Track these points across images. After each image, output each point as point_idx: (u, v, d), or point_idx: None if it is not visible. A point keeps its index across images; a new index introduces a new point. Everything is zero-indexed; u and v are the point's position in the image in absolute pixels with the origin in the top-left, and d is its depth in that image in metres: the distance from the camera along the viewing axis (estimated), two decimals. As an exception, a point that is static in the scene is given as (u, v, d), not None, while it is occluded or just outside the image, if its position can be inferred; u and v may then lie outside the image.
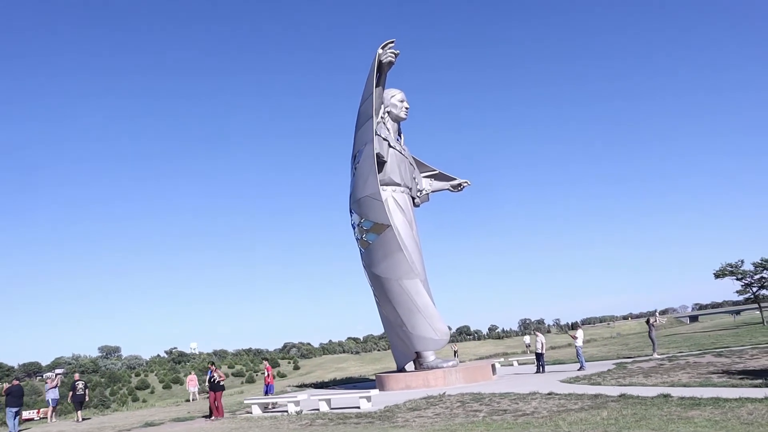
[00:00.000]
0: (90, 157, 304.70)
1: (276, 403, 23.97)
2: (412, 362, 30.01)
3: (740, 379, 19.25)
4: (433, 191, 36.45)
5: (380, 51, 28.68)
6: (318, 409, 21.76)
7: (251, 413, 22.93)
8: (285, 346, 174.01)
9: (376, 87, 29.48)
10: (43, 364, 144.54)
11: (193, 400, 40.48)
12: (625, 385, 20.29)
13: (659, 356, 31.64)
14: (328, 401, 22.07)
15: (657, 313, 42.23)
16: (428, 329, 28.36)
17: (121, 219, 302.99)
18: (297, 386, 41.78)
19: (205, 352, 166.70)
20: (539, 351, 30.75)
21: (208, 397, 24.91)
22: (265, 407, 23.47)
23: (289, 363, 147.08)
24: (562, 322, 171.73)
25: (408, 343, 29.22)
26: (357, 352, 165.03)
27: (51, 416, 29.94)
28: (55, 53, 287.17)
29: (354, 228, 30.38)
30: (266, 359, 26.81)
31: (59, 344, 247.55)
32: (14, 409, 25.29)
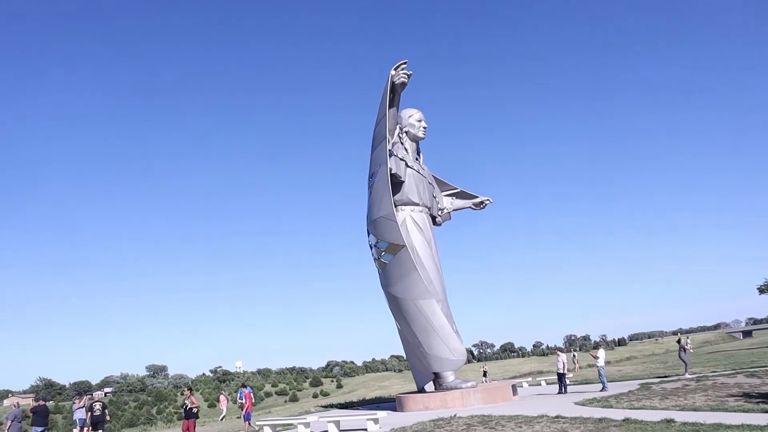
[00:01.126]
0: (139, 176, 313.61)
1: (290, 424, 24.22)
2: (432, 382, 29.85)
3: (757, 402, 18.52)
4: (454, 210, 36.43)
5: (393, 72, 28.96)
6: (327, 431, 21.89)
7: (264, 434, 23.24)
8: (328, 364, 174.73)
9: (390, 108, 29.74)
10: (93, 382, 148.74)
11: (221, 419, 41.09)
12: (636, 409, 19.74)
13: (690, 376, 30.66)
14: (337, 423, 22.17)
15: (688, 337, 40.46)
16: (444, 349, 28.23)
17: (168, 241, 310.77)
18: (323, 407, 41.94)
19: (249, 371, 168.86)
20: (561, 371, 30.20)
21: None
22: (276, 429, 23.71)
23: (332, 381, 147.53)
24: (609, 338, 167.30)
25: (425, 363, 29.13)
26: (400, 370, 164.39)
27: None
28: (56, 53, 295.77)
29: (371, 248, 30.57)
30: (245, 386, 26.69)
31: (109, 364, 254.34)
32: (39, 429, 26.09)
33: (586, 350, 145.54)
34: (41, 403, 27.37)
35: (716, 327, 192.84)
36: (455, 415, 22.53)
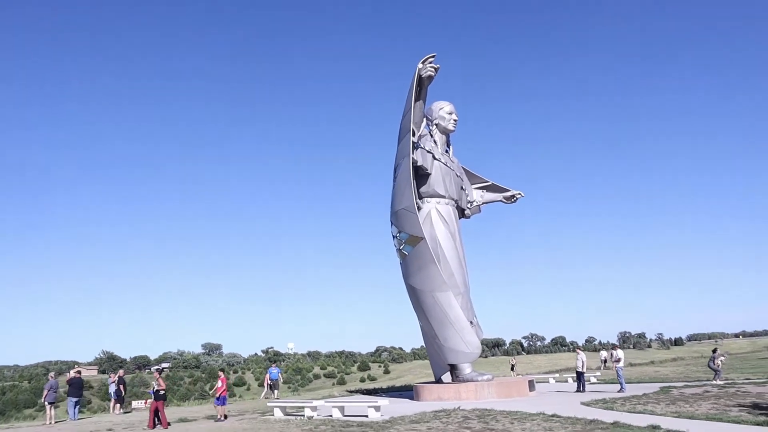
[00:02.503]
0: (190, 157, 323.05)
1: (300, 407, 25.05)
2: (449, 374, 30.12)
3: (758, 414, 18.00)
4: (484, 203, 36.31)
5: (420, 65, 29.09)
6: (331, 416, 22.57)
7: (273, 416, 24.12)
8: (377, 349, 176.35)
9: (417, 101, 29.94)
10: (152, 357, 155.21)
11: (264, 396, 42.24)
12: (635, 413, 19.49)
13: (720, 382, 29.77)
14: (342, 408, 22.83)
15: (724, 353, 38.83)
16: (459, 342, 28.45)
17: (229, 222, 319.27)
18: (350, 391, 42.83)
19: (300, 353, 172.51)
20: (580, 369, 29.92)
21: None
22: (285, 410, 24.56)
23: (380, 366, 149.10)
24: (665, 337, 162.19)
25: (441, 355, 29.44)
26: (515, 356, 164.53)
27: (113, 408, 32.61)
28: (58, 55, 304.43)
29: (393, 239, 30.97)
30: (222, 370, 27.04)
31: (167, 340, 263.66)
32: (74, 399, 27.86)
33: (640, 348, 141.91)
34: (75, 375, 29.14)
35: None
36: (459, 408, 22.85)
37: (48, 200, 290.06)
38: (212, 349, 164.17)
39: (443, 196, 31.65)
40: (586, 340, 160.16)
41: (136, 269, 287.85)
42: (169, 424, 22.36)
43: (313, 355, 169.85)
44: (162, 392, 22.94)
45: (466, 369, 29.38)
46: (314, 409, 23.27)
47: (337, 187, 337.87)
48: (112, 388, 32.50)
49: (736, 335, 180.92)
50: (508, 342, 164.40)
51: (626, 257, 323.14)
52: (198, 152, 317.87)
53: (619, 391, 27.61)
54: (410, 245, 29.36)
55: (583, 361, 30.02)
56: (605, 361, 54.24)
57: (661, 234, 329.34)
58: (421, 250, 28.88)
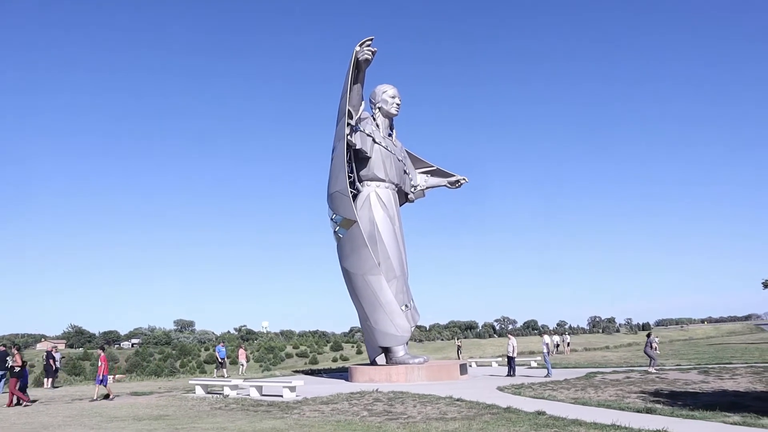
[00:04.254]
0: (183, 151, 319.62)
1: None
2: (383, 356, 30.41)
3: (651, 401, 18.37)
4: (428, 187, 36.52)
5: (357, 48, 28.91)
6: (249, 395, 22.75)
7: (194, 393, 24.24)
8: (351, 330, 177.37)
9: (355, 84, 29.81)
10: (122, 333, 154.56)
11: (241, 372, 42.20)
12: (538, 398, 19.86)
13: (653, 370, 30.17)
14: (260, 388, 23.00)
15: (655, 338, 38.99)
16: (389, 325, 28.72)
17: (204, 198, 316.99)
18: (294, 372, 43.12)
19: (273, 332, 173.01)
20: (510, 354, 30.34)
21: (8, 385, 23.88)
22: (207, 389, 24.69)
23: (353, 347, 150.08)
24: (634, 322, 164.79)
25: (372, 337, 29.70)
26: (420, 341, 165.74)
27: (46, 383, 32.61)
28: (58, 52, 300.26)
29: (330, 221, 31.01)
30: (102, 348, 27.06)
31: (139, 316, 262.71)
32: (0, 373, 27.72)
33: (608, 333, 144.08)
34: (1, 348, 28.96)
35: (747, 318, 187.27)
36: (376, 390, 23.09)
37: (22, 175, 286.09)
38: (184, 326, 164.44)
39: (383, 180, 31.71)
40: (558, 324, 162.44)
41: (109, 243, 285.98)
42: (32, 401, 22.48)
43: (287, 335, 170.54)
44: (17, 368, 22.55)
45: (400, 352, 29.68)
46: (234, 387, 23.39)
47: (315, 165, 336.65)
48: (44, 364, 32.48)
49: (702, 321, 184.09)
50: (480, 325, 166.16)
51: (599, 243, 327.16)
52: (174, 130, 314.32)
53: (545, 377, 28.05)
54: (344, 228, 29.48)
55: (513, 346, 30.41)
56: (557, 345, 55.00)
57: (633, 220, 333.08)
58: (354, 234, 28.99)
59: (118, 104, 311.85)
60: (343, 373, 37.98)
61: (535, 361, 37.93)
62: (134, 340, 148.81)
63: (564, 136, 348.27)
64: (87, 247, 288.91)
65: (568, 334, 69.39)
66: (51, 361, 32.06)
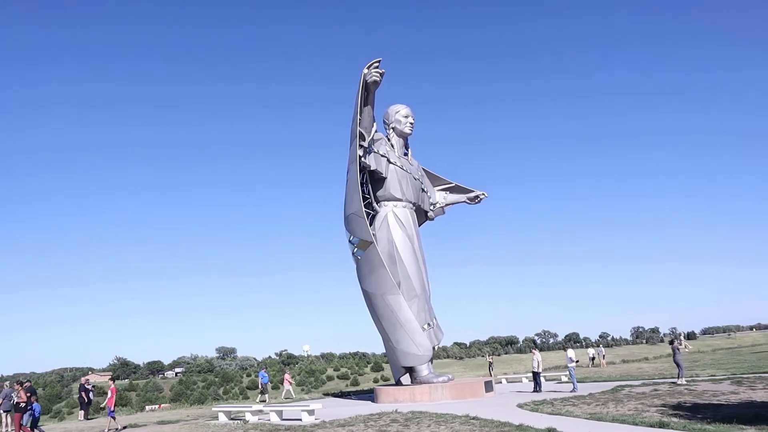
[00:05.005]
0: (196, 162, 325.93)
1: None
2: (408, 375, 30.36)
3: (669, 415, 17.94)
4: (447, 204, 36.59)
5: (365, 71, 29.26)
6: (269, 420, 23.00)
7: (218, 420, 24.62)
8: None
9: (365, 106, 30.12)
10: (165, 362, 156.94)
11: (284, 397, 42.63)
12: (555, 414, 19.58)
13: (683, 381, 29.36)
14: (280, 413, 23.23)
15: (681, 336, 37.28)
16: (410, 344, 28.69)
17: (243, 222, 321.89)
18: (325, 394, 43.20)
19: (314, 355, 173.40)
20: (535, 370, 29.96)
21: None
22: (230, 415, 25.03)
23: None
24: (678, 331, 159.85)
25: (394, 357, 29.73)
26: (461, 358, 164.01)
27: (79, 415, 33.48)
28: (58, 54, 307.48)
29: (348, 243, 31.29)
30: (113, 379, 26.97)
31: (182, 345, 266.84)
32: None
33: (652, 343, 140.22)
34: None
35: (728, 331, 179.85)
36: (396, 410, 23.12)
37: (59, 205, 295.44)
38: (226, 353, 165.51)
39: (400, 199, 31.90)
40: (600, 336, 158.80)
41: (150, 274, 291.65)
42: None
43: (327, 357, 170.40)
44: (22, 405, 22.96)
45: (424, 371, 29.58)
46: (255, 413, 23.68)
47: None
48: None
49: (751, 328, 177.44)
50: (521, 339, 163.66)
51: (641, 250, 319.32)
52: (206, 153, 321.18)
53: (571, 391, 27.60)
54: (361, 249, 29.70)
55: (538, 361, 30.04)
56: (593, 358, 53.96)
57: (676, 225, 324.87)
58: (371, 254, 29.19)
59: (167, 132, 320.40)
60: (372, 395, 38.04)
61: (565, 375, 37.27)
62: (178, 369, 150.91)
63: (597, 144, 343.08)
64: (129, 278, 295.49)
65: (603, 347, 67.92)
66: (83, 394, 32.88)
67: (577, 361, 29.81)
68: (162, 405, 76.98)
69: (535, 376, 29.96)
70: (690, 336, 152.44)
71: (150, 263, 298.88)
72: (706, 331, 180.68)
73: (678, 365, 30.80)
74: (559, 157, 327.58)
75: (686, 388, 25.68)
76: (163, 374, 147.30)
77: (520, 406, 22.78)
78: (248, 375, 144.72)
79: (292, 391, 45.02)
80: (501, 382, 39.80)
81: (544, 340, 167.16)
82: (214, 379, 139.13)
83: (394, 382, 32.06)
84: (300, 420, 22.07)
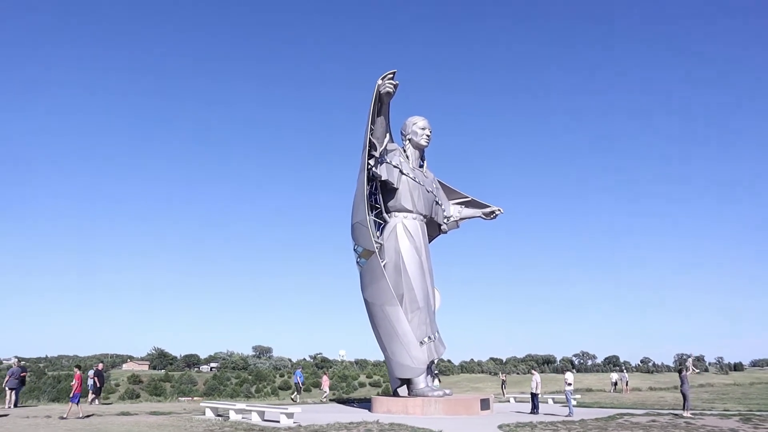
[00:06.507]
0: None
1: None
2: (405, 387, 30.19)
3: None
4: (462, 218, 36.24)
5: (379, 82, 29.30)
6: (250, 419, 23.30)
7: (204, 415, 25.05)
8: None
9: (378, 116, 30.17)
10: (202, 356, 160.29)
11: (323, 398, 42.75)
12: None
13: (689, 414, 28.12)
14: (262, 413, 23.46)
15: (690, 361, 35.15)
16: (405, 356, 28.52)
17: (288, 226, 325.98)
18: (332, 400, 43.35)
19: (348, 360, 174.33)
20: (534, 391, 29.35)
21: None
22: (217, 411, 25.42)
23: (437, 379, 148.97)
24: (725, 361, 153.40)
25: (389, 368, 29.62)
26: (495, 373, 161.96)
27: (92, 401, 34.43)
28: (59, 53, 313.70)
29: (354, 251, 31.37)
30: (78, 366, 27.35)
31: (219, 340, 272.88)
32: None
33: (697, 372, 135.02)
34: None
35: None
36: (377, 421, 23.05)
37: (114, 203, 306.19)
38: (262, 351, 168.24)
39: (410, 211, 31.79)
40: (641, 361, 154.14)
41: (195, 270, 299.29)
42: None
43: (361, 363, 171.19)
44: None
45: (420, 384, 29.33)
46: (239, 411, 23.99)
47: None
48: (90, 382, 34.31)
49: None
50: (558, 359, 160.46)
51: (687, 277, 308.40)
52: (270, 158, 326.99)
53: (566, 416, 26.91)
54: (364, 258, 29.74)
55: (537, 383, 29.43)
56: (616, 383, 52.33)
57: (724, 253, 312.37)
58: (373, 264, 29.20)
59: (193, 134, 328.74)
60: (367, 403, 37.89)
61: (574, 398, 36.31)
62: (213, 364, 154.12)
63: (644, 165, 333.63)
64: (174, 272, 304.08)
65: (643, 372, 65.64)
66: (96, 379, 33.74)
67: (570, 384, 28.97)
68: (195, 398, 78.66)
69: (533, 397, 29.35)
70: (737, 367, 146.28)
71: (199, 260, 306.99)
72: (755, 363, 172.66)
73: (684, 396, 29.36)
74: (620, 180, 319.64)
75: (686, 422, 24.67)
76: (199, 368, 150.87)
77: (500, 427, 22.35)
78: (281, 375, 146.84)
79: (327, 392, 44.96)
80: (509, 401, 39.08)
81: (581, 361, 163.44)
82: (248, 376, 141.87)
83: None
84: (278, 422, 22.24)
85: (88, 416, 24.22)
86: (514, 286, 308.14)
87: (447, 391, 30.25)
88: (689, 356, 34.35)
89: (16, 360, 31.50)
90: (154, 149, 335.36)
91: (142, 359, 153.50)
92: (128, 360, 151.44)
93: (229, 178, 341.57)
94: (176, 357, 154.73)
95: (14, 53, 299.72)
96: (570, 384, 28.78)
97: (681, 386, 29.79)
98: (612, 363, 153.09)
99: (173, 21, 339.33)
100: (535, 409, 29.08)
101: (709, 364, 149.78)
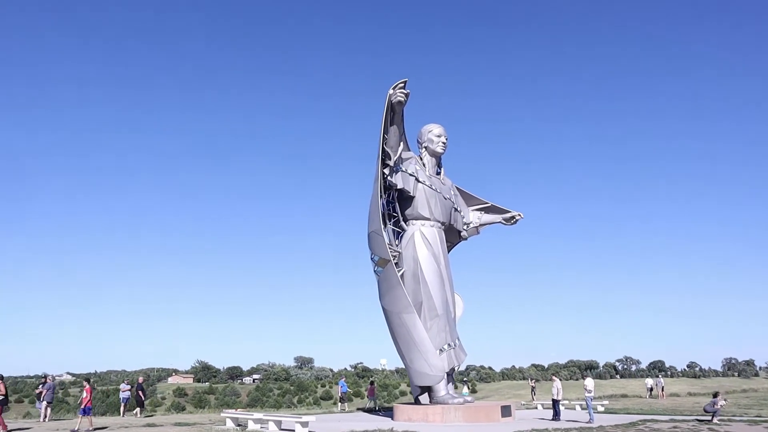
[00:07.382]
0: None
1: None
2: (427, 394, 30.27)
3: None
4: (482, 224, 36.18)
5: (390, 92, 29.59)
6: (267, 429, 23.79)
7: (225, 425, 25.65)
8: (466, 368, 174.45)
9: (391, 125, 30.47)
10: (244, 368, 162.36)
11: (367, 407, 43.16)
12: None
13: (717, 421, 27.31)
14: (279, 422, 23.90)
15: (721, 398, 33.85)
16: (423, 364, 28.62)
17: (331, 236, 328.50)
18: (359, 409, 43.58)
19: (389, 369, 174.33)
20: (555, 397, 29.08)
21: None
22: (237, 422, 25.98)
23: (466, 385, 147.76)
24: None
25: (409, 376, 29.77)
26: (537, 380, 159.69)
27: (123, 412, 35.53)
28: (60, 57, 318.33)
29: (371, 260, 31.67)
30: (87, 380, 27.80)
31: (261, 352, 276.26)
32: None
33: (745, 377, 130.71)
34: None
35: None
36: (392, 429, 23.25)
37: (159, 221, 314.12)
38: (304, 362, 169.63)
39: (428, 219, 31.95)
40: (687, 366, 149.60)
41: (237, 283, 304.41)
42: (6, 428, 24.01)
43: (402, 372, 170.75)
44: (1, 397, 24.07)
45: (441, 391, 29.38)
46: (257, 421, 24.51)
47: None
48: (125, 395, 35.37)
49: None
50: (601, 365, 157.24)
51: (735, 279, 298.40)
52: (301, 165, 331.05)
53: (587, 422, 26.61)
54: (381, 267, 30.02)
55: (558, 389, 29.17)
56: (651, 389, 51.18)
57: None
58: (389, 273, 29.43)
59: (231, 147, 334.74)
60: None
61: (602, 405, 35.83)
62: (255, 376, 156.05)
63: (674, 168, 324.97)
64: (217, 286, 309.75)
65: (690, 377, 64.07)
66: (140, 392, 34.59)
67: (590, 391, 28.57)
68: (239, 410, 79.98)
69: (555, 404, 29.09)
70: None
71: (240, 274, 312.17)
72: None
73: (711, 413, 28.23)
74: (636, 180, 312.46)
75: (709, 428, 24.11)
76: (242, 380, 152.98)
77: (518, 434, 22.29)
78: (323, 385, 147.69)
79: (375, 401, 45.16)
80: (536, 408, 38.72)
81: (625, 366, 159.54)
82: (290, 387, 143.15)
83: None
84: (293, 431, 22.63)
85: (96, 429, 25.03)
86: (558, 292, 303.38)
87: (469, 399, 30.23)
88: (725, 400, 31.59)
89: (52, 377, 32.71)
90: (195, 163, 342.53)
91: (186, 372, 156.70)
92: (173, 374, 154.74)
93: (269, 192, 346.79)
94: (219, 369, 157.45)
95: (13, 55, 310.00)
96: (590, 390, 28.42)
97: (706, 406, 28.74)
98: (657, 368, 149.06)
99: (173, 21, 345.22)
100: (556, 415, 28.81)
101: (759, 368, 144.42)
